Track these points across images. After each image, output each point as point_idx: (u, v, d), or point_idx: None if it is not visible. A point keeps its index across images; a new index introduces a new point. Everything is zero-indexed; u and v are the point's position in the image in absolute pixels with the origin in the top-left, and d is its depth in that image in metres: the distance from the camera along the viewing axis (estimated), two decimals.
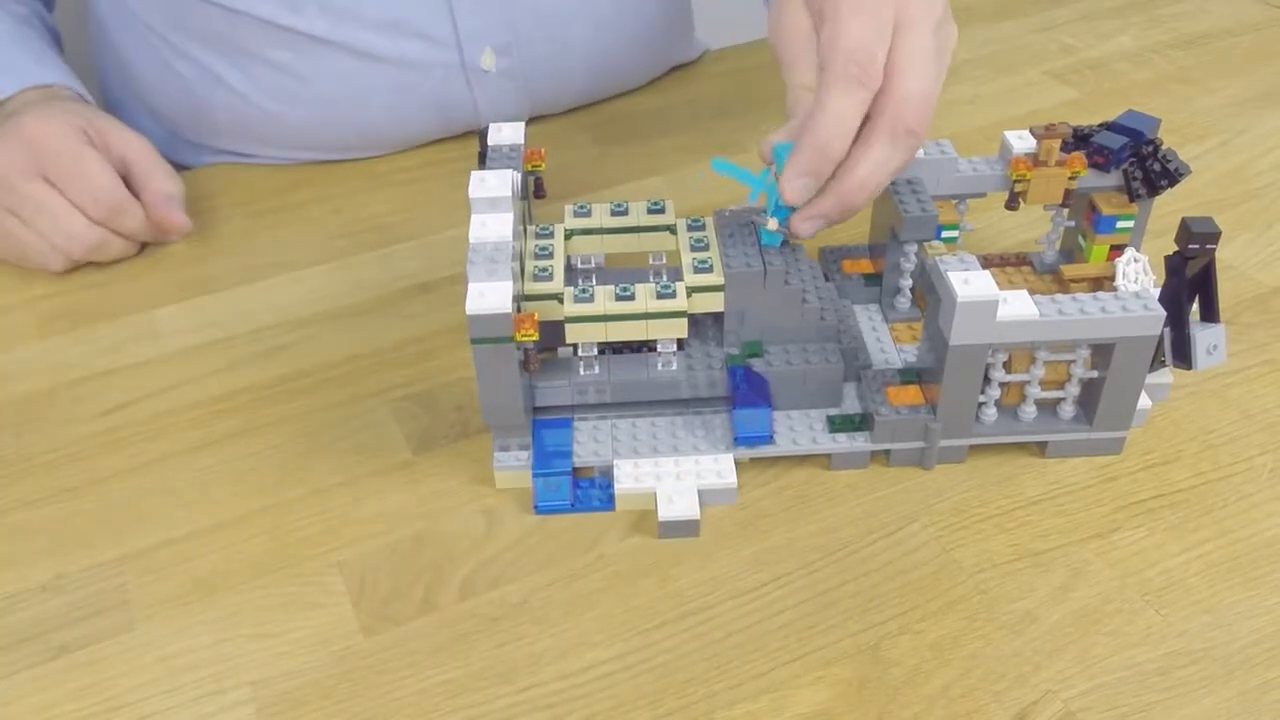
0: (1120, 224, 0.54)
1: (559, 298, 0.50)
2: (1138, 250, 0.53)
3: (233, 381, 0.58)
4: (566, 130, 0.80)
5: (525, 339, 0.47)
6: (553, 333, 0.50)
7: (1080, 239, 0.57)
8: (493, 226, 0.49)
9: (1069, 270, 0.55)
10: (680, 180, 0.73)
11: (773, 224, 0.50)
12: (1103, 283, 0.54)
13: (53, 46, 0.75)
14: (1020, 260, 0.59)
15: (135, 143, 0.67)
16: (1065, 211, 0.56)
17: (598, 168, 0.75)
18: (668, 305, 0.50)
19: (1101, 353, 0.48)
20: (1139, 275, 0.51)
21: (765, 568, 0.47)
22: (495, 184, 0.50)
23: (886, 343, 0.56)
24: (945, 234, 0.56)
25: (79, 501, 0.52)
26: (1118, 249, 0.55)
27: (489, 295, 0.46)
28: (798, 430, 0.51)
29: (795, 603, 0.46)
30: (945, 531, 0.48)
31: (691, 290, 0.50)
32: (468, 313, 0.46)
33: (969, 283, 0.46)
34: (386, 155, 0.78)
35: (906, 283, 0.57)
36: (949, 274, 0.46)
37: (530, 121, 0.80)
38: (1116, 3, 0.95)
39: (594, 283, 0.51)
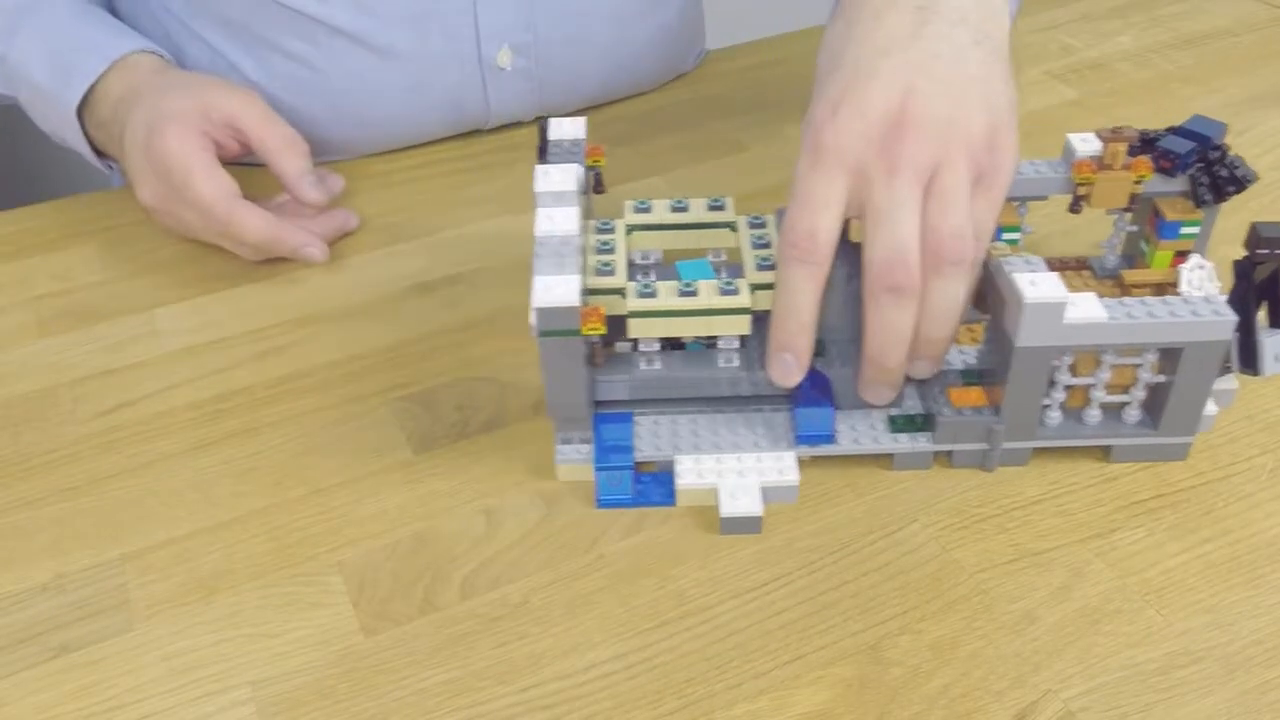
0: (1185, 230, 0.54)
1: (622, 292, 0.50)
2: (1203, 257, 0.52)
3: (233, 381, 0.58)
4: None
5: (592, 332, 0.47)
6: (614, 327, 0.50)
7: (1142, 244, 0.56)
8: (558, 220, 0.49)
9: (1131, 275, 0.55)
10: (680, 180, 0.73)
11: None
12: (1165, 289, 0.54)
13: (109, 11, 0.76)
14: (1080, 264, 0.59)
15: (252, 126, 0.66)
16: (1128, 216, 0.56)
17: None
18: (731, 302, 0.49)
19: (1169, 357, 0.48)
20: (1203, 282, 0.51)
21: (765, 567, 0.47)
22: (560, 178, 0.51)
23: None
24: (1006, 236, 0.55)
25: (79, 501, 0.52)
26: (1181, 255, 0.54)
27: (556, 288, 0.46)
28: (859, 430, 0.51)
29: (795, 603, 0.46)
30: (945, 531, 0.48)
31: (754, 287, 0.50)
32: (536, 305, 0.46)
33: (1036, 284, 0.45)
34: (386, 155, 0.78)
35: None
36: (1015, 275, 0.46)
37: (534, 122, 0.80)
38: (1116, 3, 0.95)
39: (653, 278, 0.51)
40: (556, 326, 0.46)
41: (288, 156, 0.67)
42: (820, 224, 0.46)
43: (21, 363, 0.61)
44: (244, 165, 0.68)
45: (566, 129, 0.56)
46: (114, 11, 0.78)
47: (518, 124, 0.80)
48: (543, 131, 0.56)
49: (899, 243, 0.45)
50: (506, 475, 0.52)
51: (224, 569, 0.48)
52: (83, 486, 0.53)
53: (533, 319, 0.58)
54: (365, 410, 0.56)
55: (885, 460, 0.51)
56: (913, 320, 0.46)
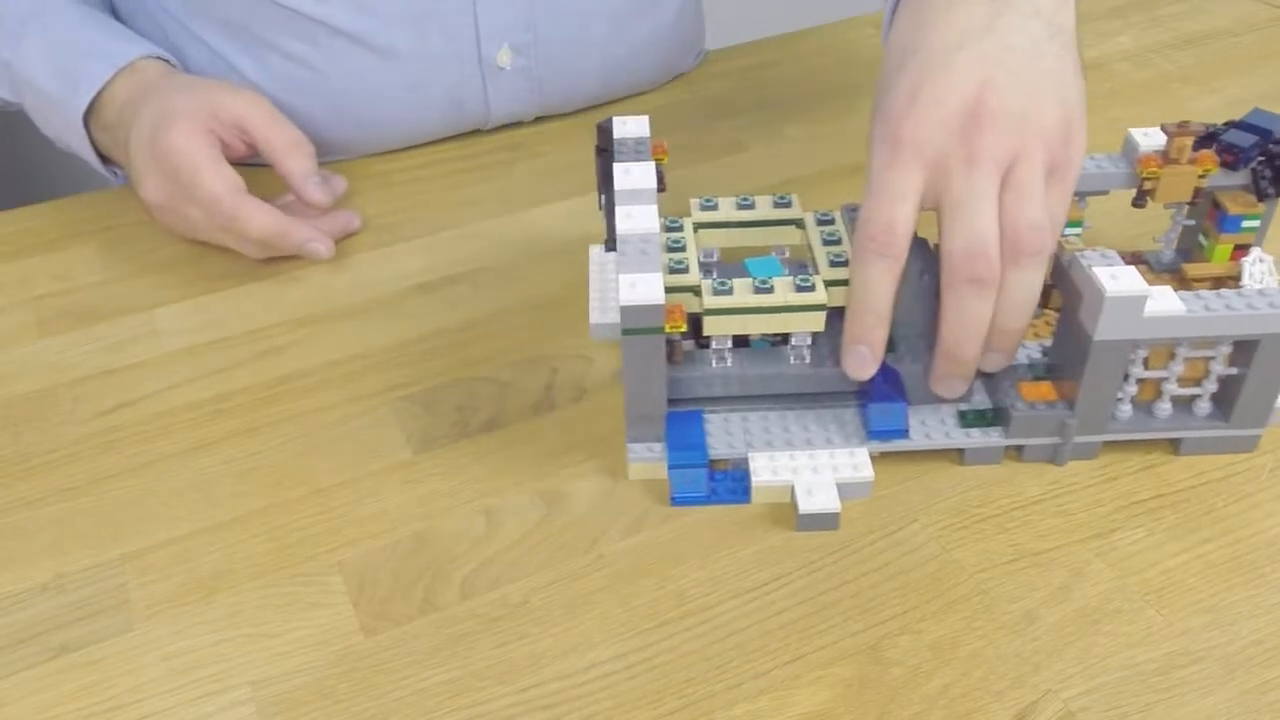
0: (1245, 223, 0.54)
1: (696, 290, 0.50)
2: (1261, 250, 0.52)
3: (233, 381, 0.58)
4: (567, 131, 0.80)
5: (674, 330, 0.47)
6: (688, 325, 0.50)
7: (1201, 238, 0.57)
8: (638, 218, 0.49)
9: (1192, 269, 0.55)
10: (680, 180, 0.73)
11: None
12: (1225, 282, 0.54)
13: (113, 16, 0.76)
14: (1136, 259, 0.59)
15: (258, 126, 0.67)
16: (1185, 210, 0.56)
17: None
18: (807, 299, 0.49)
19: (1242, 349, 0.48)
20: (1264, 275, 0.51)
21: (765, 567, 0.47)
22: (639, 176, 0.51)
23: None
24: (1069, 230, 0.56)
25: (79, 501, 0.52)
26: (1241, 248, 0.55)
27: (640, 286, 0.46)
28: (929, 425, 0.51)
29: (795, 603, 0.46)
30: (945, 531, 0.48)
31: (829, 284, 0.50)
32: (620, 303, 0.46)
33: (1116, 277, 0.46)
34: (386, 155, 0.78)
35: None
36: (1094, 269, 0.46)
37: (534, 122, 0.81)
38: (1116, 3, 0.95)
39: (714, 275, 0.51)
40: (641, 324, 0.46)
41: (293, 157, 0.67)
42: (899, 216, 0.46)
43: (21, 363, 0.61)
44: (248, 166, 0.68)
45: (631, 127, 0.56)
46: (115, 13, 0.79)
47: (518, 124, 0.80)
48: (605, 132, 0.56)
49: (979, 234, 0.45)
50: (506, 475, 0.52)
51: (224, 569, 0.48)
52: (83, 486, 0.53)
53: (594, 318, 0.59)
54: (365, 410, 0.56)
55: (892, 458, 0.51)
56: (990, 311, 0.47)
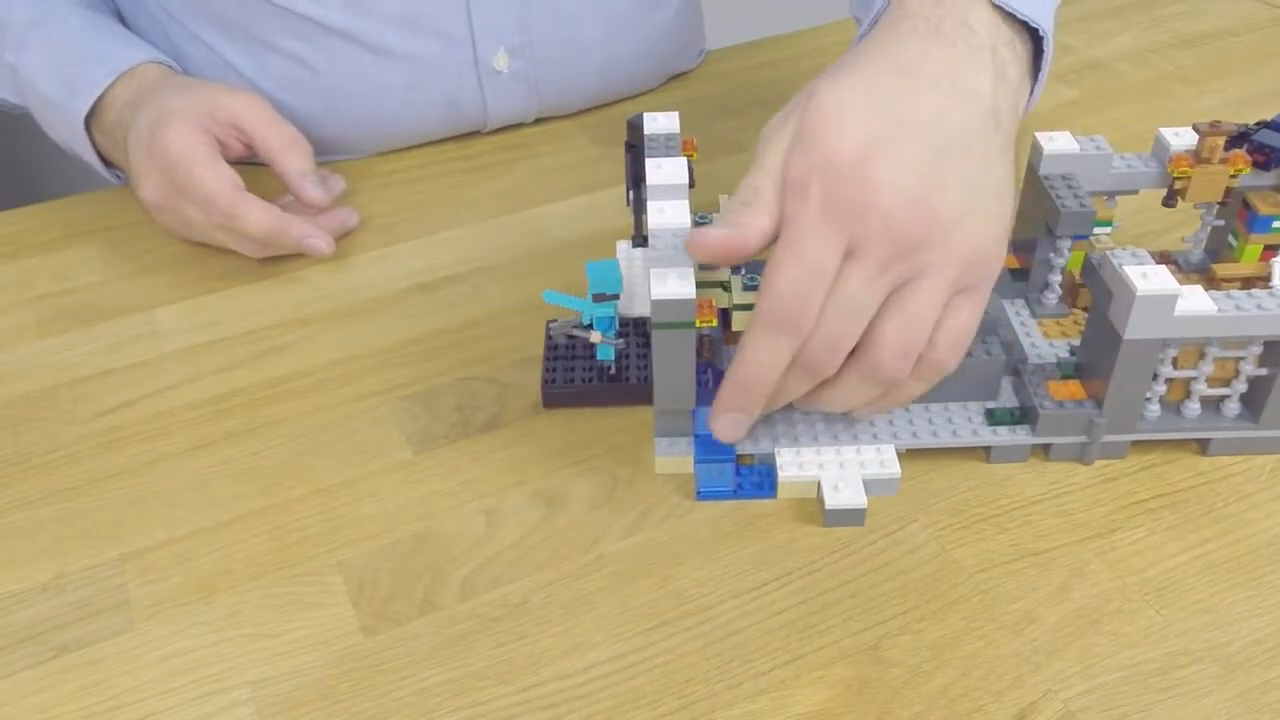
0: (1276, 224, 0.54)
1: (725, 285, 0.50)
2: None
3: (233, 381, 0.58)
4: (566, 131, 0.80)
5: (705, 324, 0.47)
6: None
7: (1230, 238, 0.57)
8: (670, 213, 0.50)
9: (1222, 269, 0.55)
10: None
11: (595, 336, 0.52)
12: (1254, 283, 0.54)
13: (118, 19, 0.76)
14: (1164, 258, 0.58)
15: (255, 126, 0.67)
16: (1215, 210, 0.56)
17: (597, 168, 0.75)
18: None
19: (1272, 350, 0.48)
20: None
21: (765, 567, 0.47)
22: (671, 171, 0.51)
23: (1036, 337, 0.56)
24: (1098, 230, 0.56)
25: (79, 501, 0.52)
26: (1271, 249, 0.55)
27: (672, 280, 0.46)
28: (956, 423, 0.51)
29: (795, 603, 0.46)
30: (945, 531, 0.48)
31: None
32: (652, 298, 0.46)
33: (1147, 276, 0.46)
34: (386, 155, 0.78)
35: (1056, 278, 0.57)
36: (1125, 268, 0.46)
37: (534, 122, 0.81)
38: (1116, 3, 0.95)
39: (743, 271, 0.51)
40: (673, 319, 0.46)
41: (290, 156, 0.67)
42: (817, 292, 0.43)
43: (21, 363, 0.61)
44: (246, 165, 0.68)
45: (661, 123, 0.56)
46: (119, 15, 0.79)
47: (518, 125, 0.80)
48: (635, 128, 0.56)
49: (803, 286, 0.43)
50: (506, 475, 0.52)
51: (224, 569, 0.48)
52: (83, 486, 0.53)
53: (622, 313, 0.59)
54: (365, 410, 0.56)
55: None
56: (786, 359, 0.45)
